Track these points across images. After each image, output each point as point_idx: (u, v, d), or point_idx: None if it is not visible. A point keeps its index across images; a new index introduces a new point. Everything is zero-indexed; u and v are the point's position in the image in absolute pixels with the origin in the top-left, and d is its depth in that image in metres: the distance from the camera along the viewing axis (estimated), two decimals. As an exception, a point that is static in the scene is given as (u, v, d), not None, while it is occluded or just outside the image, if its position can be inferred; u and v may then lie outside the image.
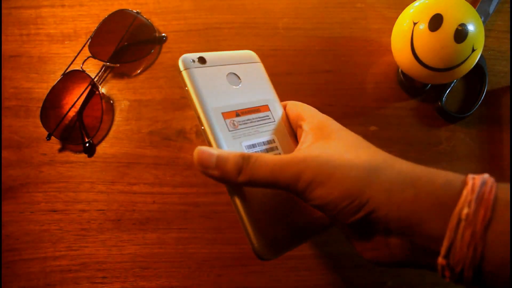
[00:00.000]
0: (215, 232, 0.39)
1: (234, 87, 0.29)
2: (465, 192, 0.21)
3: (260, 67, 0.32)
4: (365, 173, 0.24)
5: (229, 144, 0.27)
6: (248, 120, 0.29)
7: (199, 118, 0.28)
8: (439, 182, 0.22)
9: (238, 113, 0.29)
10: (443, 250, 0.21)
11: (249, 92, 0.30)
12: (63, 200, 0.40)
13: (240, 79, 0.30)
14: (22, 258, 0.39)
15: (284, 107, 0.31)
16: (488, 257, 0.20)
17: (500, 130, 0.41)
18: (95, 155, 0.41)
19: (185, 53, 0.30)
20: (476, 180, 0.22)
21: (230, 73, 0.30)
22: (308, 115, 0.29)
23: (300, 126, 0.29)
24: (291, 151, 0.29)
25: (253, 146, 0.28)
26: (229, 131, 0.28)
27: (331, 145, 0.26)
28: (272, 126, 0.29)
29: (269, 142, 0.29)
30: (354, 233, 0.26)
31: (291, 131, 0.30)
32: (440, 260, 0.22)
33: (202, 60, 0.29)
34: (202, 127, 0.28)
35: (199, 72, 0.28)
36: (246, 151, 0.28)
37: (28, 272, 0.39)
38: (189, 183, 0.40)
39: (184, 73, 0.28)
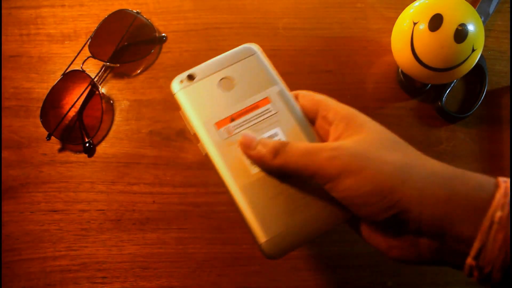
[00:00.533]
0: (215, 232, 0.39)
1: (228, 92, 0.29)
2: (498, 195, 0.21)
3: (256, 58, 0.31)
4: (399, 170, 0.23)
5: (224, 152, 0.28)
6: (244, 121, 0.29)
7: (194, 135, 0.29)
8: (472, 184, 0.23)
9: (232, 118, 0.29)
10: (473, 251, 0.21)
11: (246, 91, 0.30)
12: (63, 200, 0.40)
13: (233, 81, 0.30)
14: (22, 258, 0.39)
15: (296, 96, 0.30)
16: None
17: (500, 130, 0.41)
18: (95, 155, 0.41)
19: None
20: (508, 184, 0.22)
21: (222, 79, 0.30)
22: (332, 105, 0.28)
23: (324, 117, 0.28)
24: (301, 139, 0.28)
25: None
26: (223, 139, 0.28)
27: (363, 139, 0.25)
28: (274, 119, 0.29)
29: (269, 137, 0.28)
30: (381, 231, 0.25)
31: (301, 120, 0.29)
32: (470, 260, 0.22)
33: (190, 78, 0.29)
34: (198, 144, 0.28)
35: (189, 90, 0.29)
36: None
37: (28, 272, 0.39)
38: (189, 183, 0.40)
39: (176, 96, 0.29)
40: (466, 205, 0.22)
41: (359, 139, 0.25)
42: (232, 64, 0.30)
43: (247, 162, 0.28)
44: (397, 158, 0.24)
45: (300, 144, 0.25)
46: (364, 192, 0.23)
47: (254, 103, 0.29)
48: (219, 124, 0.28)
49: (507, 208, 0.21)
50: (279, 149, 0.26)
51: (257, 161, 0.27)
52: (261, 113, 0.29)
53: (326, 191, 0.25)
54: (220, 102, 0.29)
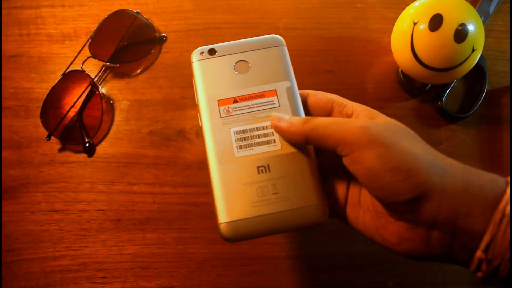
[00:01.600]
0: (215, 232, 0.39)
1: (240, 74, 0.30)
2: (508, 190, 0.22)
3: (280, 51, 0.32)
4: (424, 156, 0.24)
5: (217, 129, 0.28)
6: (246, 106, 0.29)
7: (196, 106, 0.29)
8: (485, 179, 0.23)
9: (236, 100, 0.29)
10: (483, 244, 0.22)
11: (257, 78, 0.30)
12: (63, 200, 0.40)
13: (249, 66, 0.30)
14: (22, 258, 0.39)
15: (305, 96, 0.31)
16: None
17: (500, 130, 0.41)
18: (95, 155, 0.41)
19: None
20: None
21: (240, 60, 0.30)
22: (347, 102, 0.29)
23: (341, 112, 0.29)
24: None
25: (243, 132, 0.28)
26: (221, 117, 0.29)
27: (390, 128, 0.25)
28: (274, 112, 0.29)
29: (264, 128, 0.29)
30: (395, 220, 0.25)
31: None
32: (479, 253, 0.22)
33: (211, 52, 0.31)
34: (198, 114, 0.29)
35: (206, 63, 0.30)
36: (234, 137, 0.28)
37: (28, 272, 0.39)
38: (189, 183, 0.40)
39: (193, 66, 0.30)
40: (480, 198, 0.22)
41: (386, 127, 0.26)
42: (254, 50, 0.31)
43: (234, 145, 0.28)
44: (421, 146, 0.25)
45: (328, 117, 0.26)
46: (391, 167, 0.23)
47: (260, 92, 0.30)
48: (222, 102, 0.29)
49: None
50: (308, 118, 0.26)
51: (288, 129, 0.27)
52: (264, 103, 0.29)
53: (347, 164, 0.25)
54: (230, 82, 0.30)
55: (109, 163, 0.41)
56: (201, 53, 0.30)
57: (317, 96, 0.30)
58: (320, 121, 0.26)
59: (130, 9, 0.44)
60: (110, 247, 0.39)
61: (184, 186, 0.40)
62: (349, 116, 0.28)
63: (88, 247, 0.39)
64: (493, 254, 0.22)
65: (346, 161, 0.25)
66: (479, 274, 0.23)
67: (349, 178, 0.29)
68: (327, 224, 0.39)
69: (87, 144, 0.41)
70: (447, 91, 0.41)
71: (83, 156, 0.41)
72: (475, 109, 0.41)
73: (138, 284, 0.38)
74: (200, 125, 0.29)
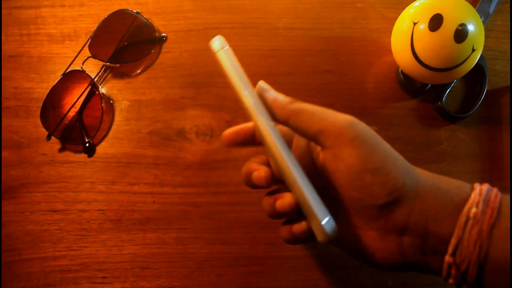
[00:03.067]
0: (215, 232, 0.39)
1: None
2: (473, 195, 0.23)
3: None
4: (402, 162, 0.25)
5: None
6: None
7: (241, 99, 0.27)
8: (453, 184, 0.24)
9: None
10: (450, 247, 0.22)
11: None
12: (63, 200, 0.40)
13: None
14: (22, 258, 0.39)
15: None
16: (491, 255, 0.22)
17: (500, 130, 0.41)
18: (95, 155, 0.41)
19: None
20: (483, 186, 0.24)
21: None
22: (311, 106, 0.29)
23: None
24: None
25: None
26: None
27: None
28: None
29: None
30: (366, 229, 0.25)
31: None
32: (447, 258, 0.23)
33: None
34: (247, 94, 0.27)
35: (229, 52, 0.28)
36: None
37: (28, 272, 0.39)
38: (189, 183, 0.40)
39: (225, 51, 0.28)
40: (448, 202, 0.23)
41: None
42: None
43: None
44: (397, 153, 0.25)
45: (316, 105, 0.26)
46: (373, 167, 0.23)
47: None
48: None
49: (481, 205, 0.22)
50: (295, 100, 0.26)
51: (274, 103, 0.26)
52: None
53: (327, 157, 0.24)
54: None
55: (109, 163, 0.41)
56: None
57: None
58: (306, 106, 0.25)
59: (130, 9, 0.44)
60: (110, 247, 0.39)
61: (184, 186, 0.40)
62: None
63: (88, 247, 0.39)
64: (460, 258, 0.22)
65: (326, 154, 0.24)
66: (451, 281, 0.23)
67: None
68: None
69: (87, 144, 0.41)
70: (447, 91, 0.41)
71: (83, 156, 0.41)
72: (475, 109, 0.41)
73: (138, 284, 0.38)
74: (256, 123, 0.26)
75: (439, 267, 0.24)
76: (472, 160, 0.41)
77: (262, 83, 0.27)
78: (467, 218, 0.22)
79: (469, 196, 0.23)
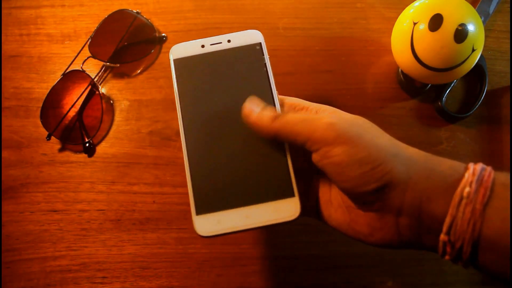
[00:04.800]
0: (215, 232, 0.39)
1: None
2: (466, 174, 0.24)
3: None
4: (390, 146, 0.25)
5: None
6: None
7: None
8: (447, 165, 0.25)
9: None
10: (445, 226, 0.23)
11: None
12: (63, 200, 0.40)
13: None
14: (22, 258, 0.39)
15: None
16: (484, 233, 0.22)
17: (500, 130, 0.41)
18: (95, 155, 0.41)
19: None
20: (476, 166, 0.24)
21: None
22: (310, 103, 0.30)
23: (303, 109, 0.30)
24: None
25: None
26: None
27: (355, 122, 0.27)
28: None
29: None
30: (364, 212, 0.26)
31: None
32: (442, 236, 0.23)
33: None
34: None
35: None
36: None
37: (28, 272, 0.39)
38: (189, 183, 0.40)
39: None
40: (441, 182, 0.24)
41: (351, 121, 0.26)
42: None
43: None
44: (386, 137, 0.26)
45: (298, 113, 0.27)
46: (358, 158, 0.24)
47: None
48: None
49: (474, 185, 0.23)
50: (278, 115, 0.27)
51: (256, 124, 0.27)
52: None
53: (316, 160, 0.26)
54: None
55: (109, 163, 0.41)
56: None
57: (282, 102, 0.31)
58: (288, 118, 0.26)
59: (130, 9, 0.44)
60: (110, 247, 0.39)
61: (184, 186, 0.40)
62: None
63: (88, 247, 0.39)
64: (454, 236, 0.23)
65: (315, 157, 0.26)
66: (447, 257, 0.24)
67: (318, 178, 0.29)
68: (327, 224, 0.39)
69: (87, 144, 0.41)
70: (447, 91, 0.41)
71: (83, 156, 0.41)
72: (475, 109, 0.41)
73: (138, 284, 0.38)
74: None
75: (435, 245, 0.24)
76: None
77: (247, 104, 0.28)
78: (461, 198, 0.23)
79: (462, 176, 0.24)
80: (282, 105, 0.30)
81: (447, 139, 0.41)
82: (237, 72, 0.30)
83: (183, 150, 0.29)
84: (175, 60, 0.30)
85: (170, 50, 0.31)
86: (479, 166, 0.24)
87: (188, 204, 0.40)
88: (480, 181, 0.23)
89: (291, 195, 0.27)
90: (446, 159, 0.25)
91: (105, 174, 0.40)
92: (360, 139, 0.24)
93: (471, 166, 0.24)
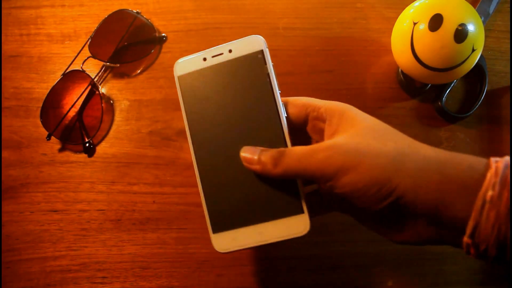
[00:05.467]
0: (215, 232, 0.39)
1: None
2: (489, 175, 0.22)
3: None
4: (392, 160, 0.24)
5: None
6: None
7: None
8: (463, 166, 0.24)
9: None
10: (468, 230, 0.22)
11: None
12: (63, 200, 0.40)
13: None
14: (22, 258, 0.39)
15: (286, 103, 0.30)
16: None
17: (500, 130, 0.41)
18: (95, 155, 0.41)
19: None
20: (499, 164, 0.23)
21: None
22: (321, 103, 0.29)
23: (316, 117, 0.29)
24: None
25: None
26: None
27: (356, 132, 0.26)
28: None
29: None
30: (381, 218, 0.27)
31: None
32: (466, 239, 0.23)
33: None
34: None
35: None
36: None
37: (28, 272, 0.39)
38: (189, 183, 0.40)
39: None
40: (458, 187, 0.23)
41: (352, 134, 0.26)
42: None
43: None
44: (390, 148, 0.25)
45: (296, 149, 0.26)
46: (362, 186, 0.24)
47: None
48: None
49: (497, 187, 0.22)
50: (278, 158, 0.26)
51: (261, 173, 0.28)
52: None
53: (324, 190, 0.26)
54: None
55: (109, 163, 0.41)
56: None
57: (294, 103, 0.30)
58: (289, 161, 0.26)
59: (130, 9, 0.44)
60: (110, 247, 0.39)
61: (184, 186, 0.40)
62: (323, 122, 0.29)
63: (88, 247, 0.39)
64: (479, 239, 0.22)
65: (323, 188, 0.27)
66: (471, 255, 0.24)
67: None
68: (327, 224, 0.39)
69: (87, 144, 0.41)
70: (447, 91, 0.41)
71: (83, 156, 0.41)
72: (475, 109, 0.41)
73: (138, 284, 0.38)
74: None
75: (459, 242, 0.24)
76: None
77: (243, 154, 0.28)
78: (484, 202, 0.22)
79: (483, 177, 0.22)
80: (286, 104, 0.30)
81: (447, 139, 0.41)
82: (241, 85, 0.29)
83: (195, 169, 0.30)
84: (179, 77, 0.31)
85: (174, 67, 0.31)
86: (502, 163, 0.23)
87: (188, 204, 0.40)
88: (503, 181, 0.22)
89: (301, 212, 0.28)
90: (465, 156, 0.24)
91: (105, 174, 0.40)
92: (359, 167, 0.24)
93: (493, 163, 0.23)
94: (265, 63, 0.29)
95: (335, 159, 0.25)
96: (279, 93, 0.29)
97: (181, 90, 0.30)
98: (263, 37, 0.30)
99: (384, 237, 0.27)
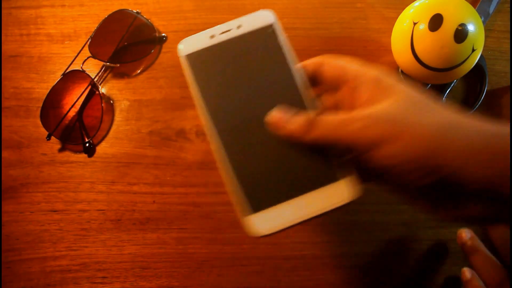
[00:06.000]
0: (215, 232, 0.39)
1: None
2: None
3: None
4: (437, 134, 0.22)
5: None
6: None
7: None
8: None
9: None
10: None
11: None
12: (63, 200, 0.40)
13: None
14: (22, 258, 0.39)
15: (320, 65, 0.29)
16: None
17: (500, 130, 0.41)
18: (95, 155, 0.41)
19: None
20: None
21: None
22: (355, 69, 0.27)
23: (348, 81, 0.27)
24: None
25: None
26: None
27: (396, 102, 0.24)
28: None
29: None
30: (426, 195, 0.24)
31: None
32: None
33: None
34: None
35: None
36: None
37: (28, 272, 0.39)
38: (189, 183, 0.40)
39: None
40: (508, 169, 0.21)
41: (391, 103, 0.24)
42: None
43: None
44: (434, 120, 0.23)
45: (331, 117, 0.24)
46: (403, 160, 0.22)
47: None
48: None
49: None
50: (310, 125, 0.25)
51: (290, 139, 0.26)
52: None
53: (362, 161, 0.24)
54: None
55: (109, 163, 0.41)
56: None
57: (331, 65, 0.28)
58: (323, 128, 0.24)
59: (130, 9, 0.44)
60: (110, 247, 0.39)
61: (184, 186, 0.40)
62: (355, 88, 0.26)
63: (88, 247, 0.39)
64: None
65: (362, 159, 0.24)
66: None
67: None
68: (327, 224, 0.39)
69: (87, 144, 0.41)
70: (447, 91, 0.41)
71: (83, 156, 0.41)
72: (475, 109, 0.41)
73: (138, 284, 0.38)
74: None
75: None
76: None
77: (274, 115, 0.26)
78: None
79: None
80: (322, 65, 0.29)
81: (447, 139, 0.41)
82: (255, 58, 0.28)
83: (219, 150, 0.27)
84: (187, 56, 0.29)
85: (179, 46, 0.29)
86: None
87: (188, 204, 0.40)
88: None
89: (342, 177, 0.26)
90: (507, 125, 0.22)
91: (105, 174, 0.40)
92: (401, 139, 0.22)
93: None
94: (277, 36, 0.28)
95: (374, 129, 0.23)
96: (298, 67, 0.28)
97: (191, 68, 0.28)
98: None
99: (429, 215, 0.25)
